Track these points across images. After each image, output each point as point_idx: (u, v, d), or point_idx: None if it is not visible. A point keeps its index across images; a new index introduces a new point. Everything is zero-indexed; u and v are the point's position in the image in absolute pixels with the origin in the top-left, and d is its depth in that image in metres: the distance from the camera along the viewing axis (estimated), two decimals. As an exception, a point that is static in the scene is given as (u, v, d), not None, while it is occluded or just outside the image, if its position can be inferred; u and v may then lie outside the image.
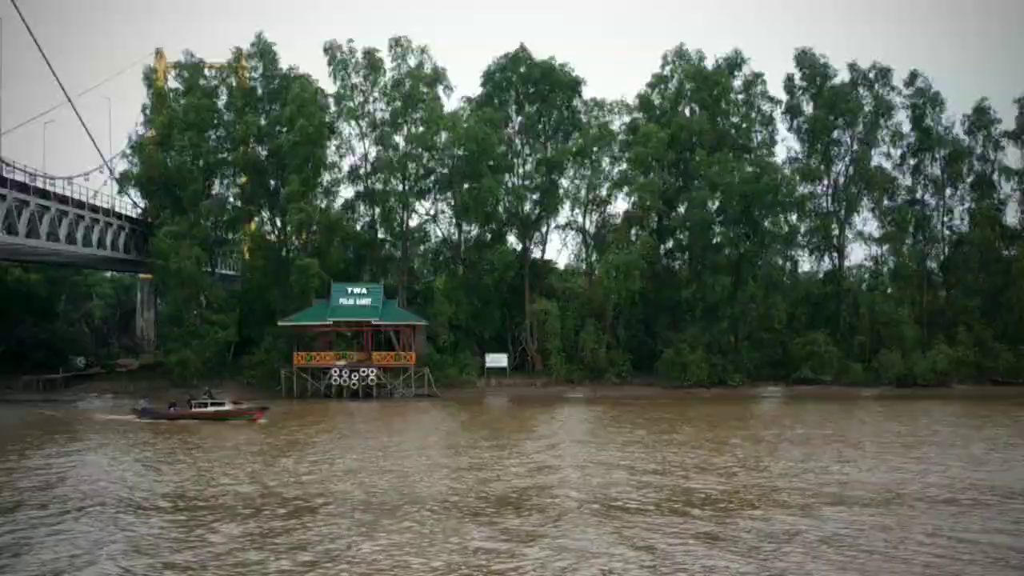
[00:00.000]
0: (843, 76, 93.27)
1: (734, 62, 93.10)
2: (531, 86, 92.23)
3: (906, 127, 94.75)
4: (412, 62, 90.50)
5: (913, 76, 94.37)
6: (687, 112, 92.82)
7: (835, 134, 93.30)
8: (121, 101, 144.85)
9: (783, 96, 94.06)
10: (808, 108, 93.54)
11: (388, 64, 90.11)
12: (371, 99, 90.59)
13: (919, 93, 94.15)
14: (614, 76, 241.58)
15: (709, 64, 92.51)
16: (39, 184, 72.04)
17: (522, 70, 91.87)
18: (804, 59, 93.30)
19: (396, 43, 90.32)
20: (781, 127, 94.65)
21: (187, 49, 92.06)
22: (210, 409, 61.55)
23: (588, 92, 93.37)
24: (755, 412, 69.51)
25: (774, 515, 30.41)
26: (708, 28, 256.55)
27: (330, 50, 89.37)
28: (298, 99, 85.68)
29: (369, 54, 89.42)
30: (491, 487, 35.62)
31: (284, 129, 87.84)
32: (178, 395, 70.07)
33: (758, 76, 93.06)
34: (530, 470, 39.88)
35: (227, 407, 62.26)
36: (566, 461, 42.40)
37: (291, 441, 50.84)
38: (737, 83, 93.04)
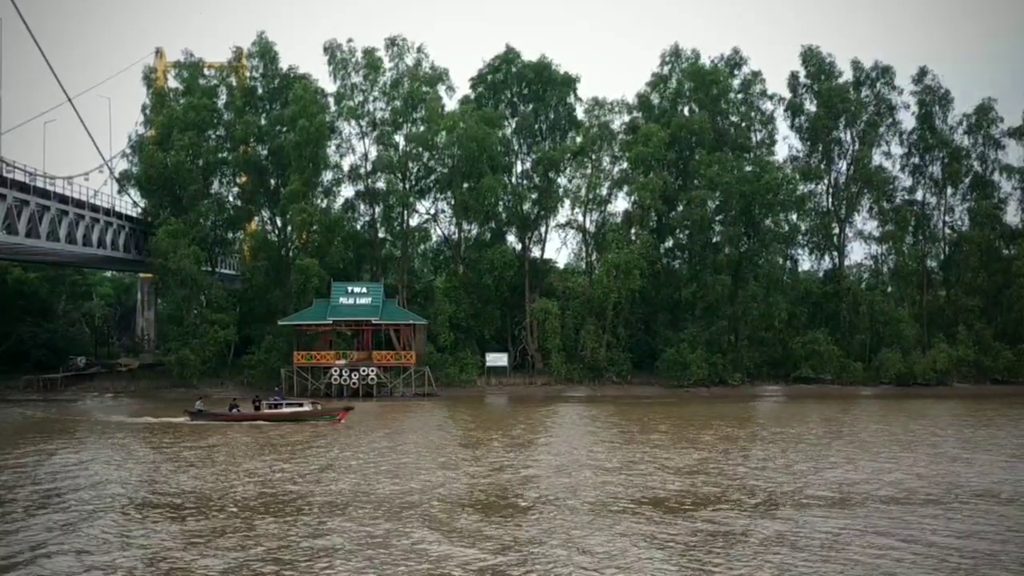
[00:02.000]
0: (847, 75, 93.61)
1: (733, 62, 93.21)
2: (525, 86, 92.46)
3: (908, 125, 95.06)
4: (409, 61, 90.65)
5: (922, 73, 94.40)
6: (686, 111, 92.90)
7: (836, 133, 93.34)
8: (121, 101, 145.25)
9: (786, 94, 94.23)
10: (811, 106, 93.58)
11: (387, 64, 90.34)
12: (371, 98, 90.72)
13: (927, 90, 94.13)
14: (616, 75, 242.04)
15: (707, 64, 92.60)
16: (39, 184, 71.88)
17: (514, 70, 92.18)
18: (810, 57, 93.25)
19: (392, 43, 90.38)
20: (783, 125, 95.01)
21: (186, 48, 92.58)
22: (286, 410, 59.29)
23: (590, 91, 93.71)
24: (754, 411, 69.52)
25: (727, 515, 30.49)
26: (710, 27, 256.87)
27: (330, 49, 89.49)
28: (300, 99, 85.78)
29: (368, 53, 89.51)
30: (459, 487, 35.79)
31: (284, 129, 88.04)
32: (241, 395, 68.77)
33: (756, 75, 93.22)
34: (525, 470, 39.97)
35: (306, 407, 60.10)
36: (554, 461, 42.45)
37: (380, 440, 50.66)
38: (737, 82, 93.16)
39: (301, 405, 60.84)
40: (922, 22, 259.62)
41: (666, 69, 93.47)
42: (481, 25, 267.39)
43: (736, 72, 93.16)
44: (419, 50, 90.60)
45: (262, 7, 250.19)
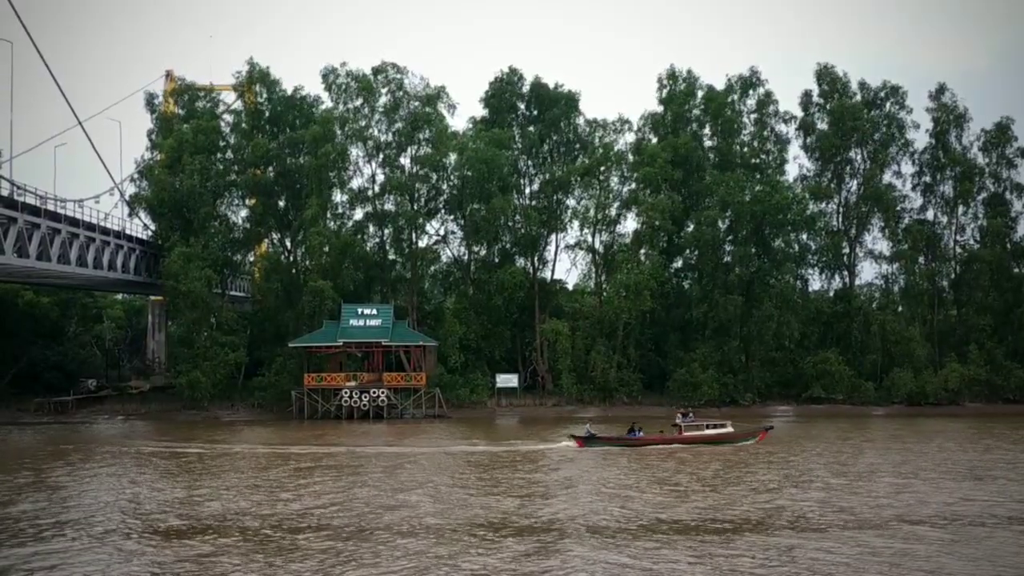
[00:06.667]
0: (857, 94, 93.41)
1: (749, 82, 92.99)
2: (527, 108, 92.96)
3: (920, 144, 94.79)
4: (407, 84, 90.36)
5: (940, 90, 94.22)
6: (693, 131, 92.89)
7: (847, 152, 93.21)
8: (131, 124, 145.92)
9: (798, 112, 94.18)
10: (823, 125, 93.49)
11: (380, 88, 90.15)
12: (373, 121, 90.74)
13: (943, 108, 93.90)
14: (616, 75, 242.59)
15: (720, 82, 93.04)
16: (50, 207, 72.27)
17: (523, 90, 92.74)
18: (824, 75, 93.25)
19: (376, 72, 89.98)
20: (794, 144, 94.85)
21: (179, 75, 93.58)
22: (709, 432, 57.32)
23: (597, 110, 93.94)
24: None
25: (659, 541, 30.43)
26: (710, 28, 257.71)
27: (328, 76, 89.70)
28: (322, 121, 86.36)
29: (360, 79, 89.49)
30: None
31: (302, 150, 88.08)
32: (639, 419, 65.81)
33: (770, 95, 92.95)
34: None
35: (728, 428, 58.10)
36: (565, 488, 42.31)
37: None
38: (751, 102, 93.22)
39: (724, 426, 58.68)
40: (932, 24, 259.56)
41: (665, 92, 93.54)
42: (483, 23, 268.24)
43: (752, 92, 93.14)
44: (399, 71, 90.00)
45: (273, 21, 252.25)
